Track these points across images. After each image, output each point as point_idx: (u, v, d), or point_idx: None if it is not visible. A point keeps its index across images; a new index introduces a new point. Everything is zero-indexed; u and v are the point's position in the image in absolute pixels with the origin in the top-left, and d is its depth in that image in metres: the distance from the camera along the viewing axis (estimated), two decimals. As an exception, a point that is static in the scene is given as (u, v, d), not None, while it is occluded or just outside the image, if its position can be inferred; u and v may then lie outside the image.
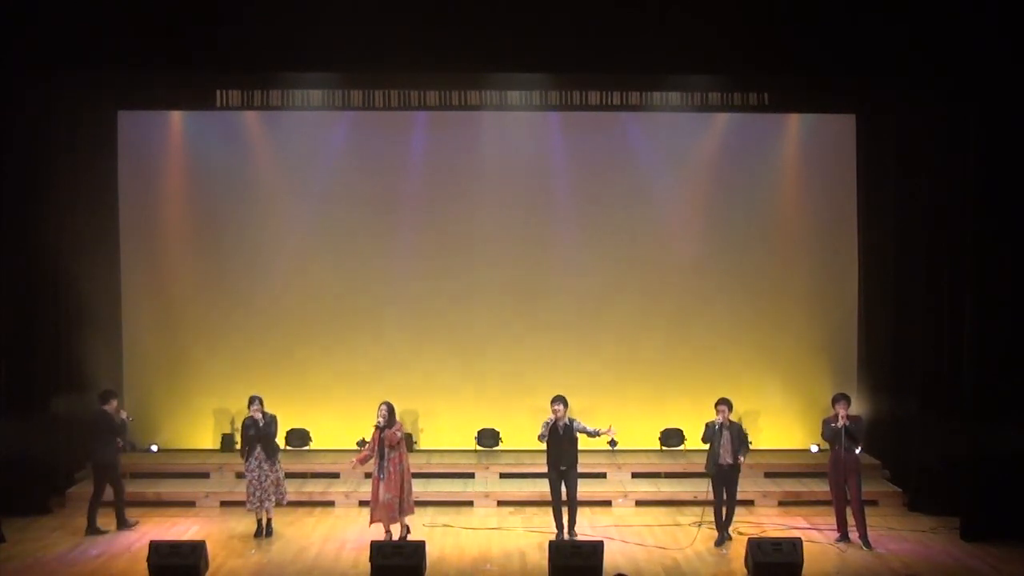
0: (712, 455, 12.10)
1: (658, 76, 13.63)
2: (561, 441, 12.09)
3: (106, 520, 12.57)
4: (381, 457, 11.77)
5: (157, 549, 10.57)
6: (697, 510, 12.85)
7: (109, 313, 14.74)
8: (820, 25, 12.06)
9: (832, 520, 12.28)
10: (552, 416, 12.05)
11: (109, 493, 12.61)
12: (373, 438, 11.89)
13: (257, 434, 12.11)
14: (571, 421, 12.17)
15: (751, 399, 14.99)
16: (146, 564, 10.54)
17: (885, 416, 14.13)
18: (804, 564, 10.68)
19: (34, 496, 13.02)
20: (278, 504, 12.30)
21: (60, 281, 13.56)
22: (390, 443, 11.76)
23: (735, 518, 12.45)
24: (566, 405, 12.14)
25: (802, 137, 15.18)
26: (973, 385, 12.14)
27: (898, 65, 12.47)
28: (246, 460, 12.22)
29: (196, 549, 10.64)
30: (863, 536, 11.89)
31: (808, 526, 12.61)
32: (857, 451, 12.03)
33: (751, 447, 14.73)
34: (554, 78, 13.72)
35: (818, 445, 14.71)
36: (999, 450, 11.82)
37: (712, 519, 12.23)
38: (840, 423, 11.79)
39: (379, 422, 11.80)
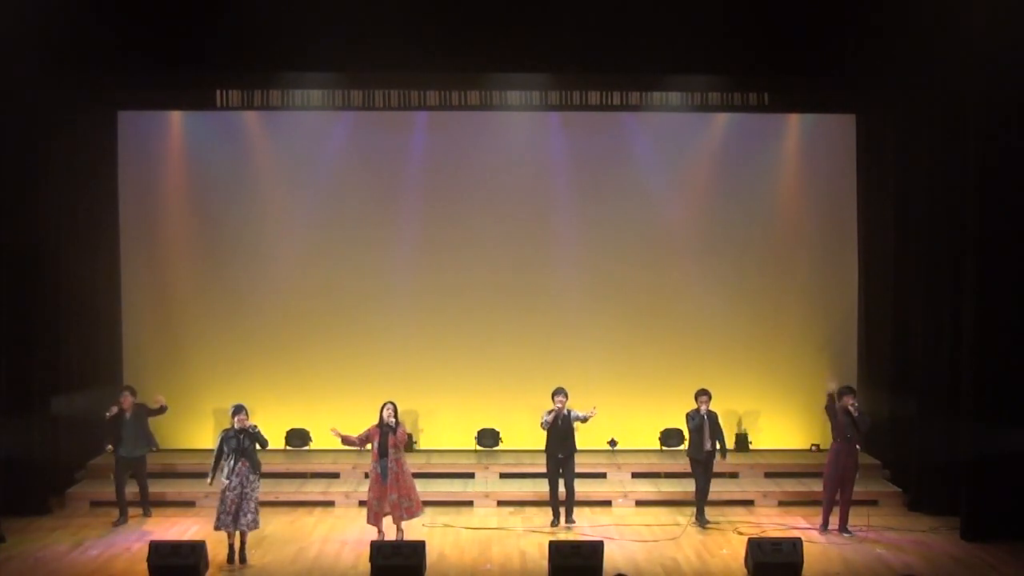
0: (695, 443, 12.64)
1: (658, 76, 13.62)
2: (560, 431, 12.60)
3: (104, 519, 12.61)
4: (383, 456, 11.74)
5: (157, 549, 10.57)
6: (693, 509, 12.91)
7: (109, 312, 14.77)
8: (820, 25, 12.05)
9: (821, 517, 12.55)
10: (556, 406, 12.54)
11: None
12: (370, 434, 11.82)
13: (240, 446, 11.24)
14: (568, 412, 12.66)
15: (751, 399, 15.02)
16: (146, 564, 10.53)
17: (885, 416, 14.13)
18: (804, 564, 10.68)
19: (34, 496, 13.01)
20: (252, 528, 11.40)
21: (60, 281, 13.56)
22: (398, 443, 11.80)
23: (735, 517, 12.66)
24: (567, 397, 12.66)
25: (802, 137, 15.19)
26: (973, 385, 12.13)
27: (898, 65, 12.47)
28: (225, 474, 11.23)
29: (196, 549, 10.63)
30: (844, 522, 12.33)
31: (808, 526, 12.61)
32: (858, 446, 12.40)
33: (751, 447, 14.93)
34: (554, 78, 13.71)
35: (817, 445, 14.74)
36: (999, 450, 11.82)
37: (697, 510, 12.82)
38: (853, 413, 12.20)
39: (391, 422, 11.78)
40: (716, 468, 13.74)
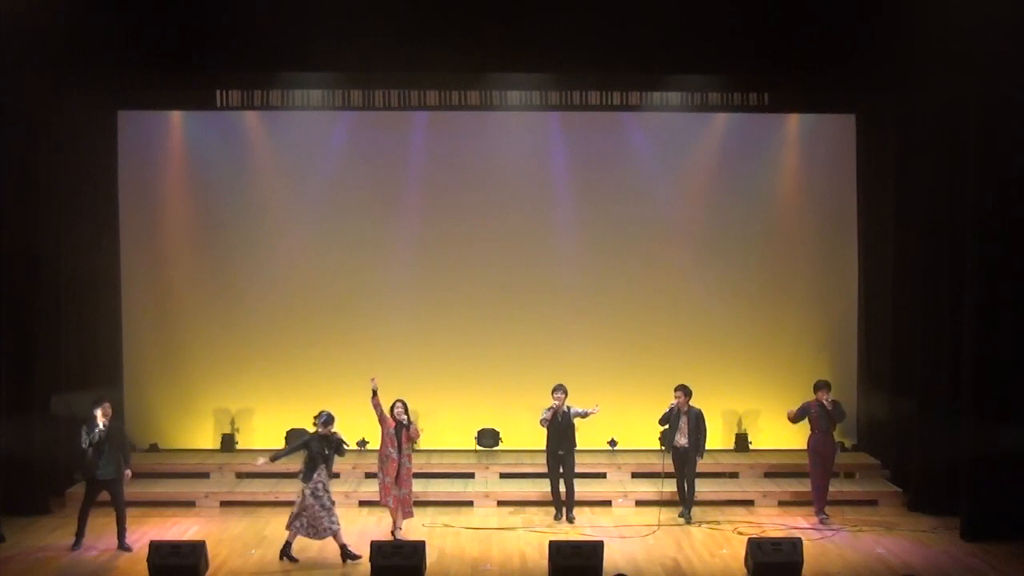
0: (668, 436, 12.88)
1: (658, 76, 13.63)
2: (560, 427, 12.73)
3: (104, 519, 12.57)
4: (398, 452, 12.03)
5: (157, 549, 10.57)
6: (696, 510, 12.97)
7: (109, 313, 14.77)
8: (820, 25, 12.05)
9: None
10: (555, 403, 12.68)
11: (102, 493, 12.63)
12: (388, 423, 12.03)
13: (323, 453, 11.36)
14: (568, 408, 12.78)
15: (751, 399, 15.03)
16: (146, 564, 10.53)
17: (885, 416, 14.15)
18: (804, 564, 10.68)
19: (34, 496, 13.02)
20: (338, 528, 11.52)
21: (60, 281, 13.57)
22: (412, 439, 12.15)
23: (735, 517, 12.58)
24: (566, 394, 12.77)
25: (802, 137, 15.21)
26: (973, 385, 12.13)
27: (898, 65, 12.47)
28: (311, 480, 11.33)
29: (196, 549, 10.63)
30: (820, 507, 12.83)
31: (808, 526, 12.62)
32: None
33: (751, 447, 14.92)
34: (554, 78, 13.72)
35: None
36: (999, 450, 11.82)
37: (679, 500, 13.04)
38: (828, 406, 12.75)
39: (404, 419, 12.10)
40: (717, 468, 13.83)
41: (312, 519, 11.29)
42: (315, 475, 11.34)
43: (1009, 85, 11.81)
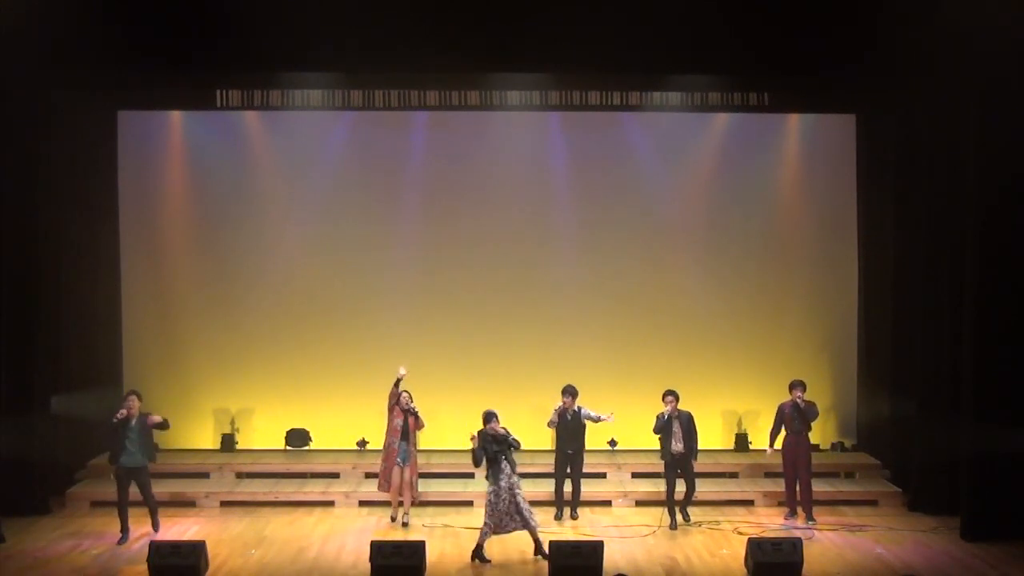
0: (664, 444, 12.67)
1: (658, 76, 13.63)
2: (570, 427, 12.85)
3: (104, 519, 12.58)
4: (406, 440, 12.58)
5: (157, 549, 10.56)
6: (696, 510, 12.96)
7: (109, 313, 14.77)
8: (820, 26, 12.05)
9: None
10: (562, 405, 12.79)
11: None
12: (396, 412, 12.59)
13: (506, 448, 11.33)
14: (579, 409, 12.88)
15: (751, 399, 15.01)
16: (146, 564, 10.54)
17: (885, 416, 14.14)
18: (804, 564, 10.68)
19: (34, 496, 13.01)
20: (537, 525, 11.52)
21: (60, 281, 13.57)
22: (417, 428, 12.71)
23: (735, 517, 12.56)
24: (574, 396, 12.87)
25: (802, 137, 15.20)
26: (973, 385, 12.13)
27: (898, 65, 12.46)
28: (499, 478, 11.30)
29: (196, 549, 10.63)
30: (808, 511, 12.69)
31: (806, 526, 12.61)
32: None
33: (751, 447, 14.91)
34: (554, 78, 13.71)
35: (818, 444, 14.75)
36: (999, 450, 11.82)
37: (680, 506, 12.79)
38: (800, 405, 12.63)
39: (413, 407, 12.64)
40: (717, 468, 13.80)
41: (511, 514, 11.27)
42: (505, 472, 11.29)
43: (1009, 86, 11.81)
